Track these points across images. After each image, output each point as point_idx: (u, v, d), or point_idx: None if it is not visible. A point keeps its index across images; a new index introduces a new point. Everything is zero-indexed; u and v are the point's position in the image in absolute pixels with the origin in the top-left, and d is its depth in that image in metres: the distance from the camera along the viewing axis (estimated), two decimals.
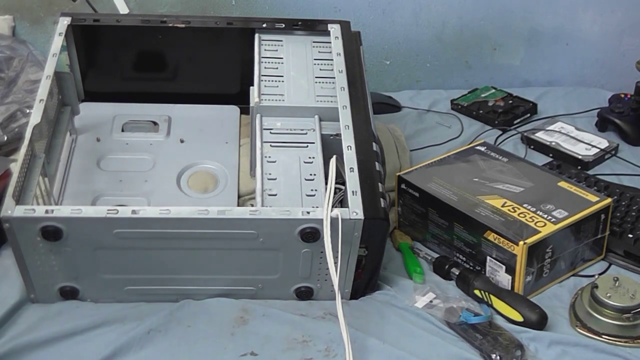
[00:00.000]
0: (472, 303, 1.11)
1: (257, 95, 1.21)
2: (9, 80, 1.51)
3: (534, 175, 1.25)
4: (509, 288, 1.12)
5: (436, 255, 1.22)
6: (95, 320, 1.04)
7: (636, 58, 1.61)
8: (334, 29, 1.30)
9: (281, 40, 1.31)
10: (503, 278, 1.13)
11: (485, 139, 1.47)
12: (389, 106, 1.71)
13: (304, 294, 1.09)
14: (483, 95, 1.74)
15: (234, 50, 1.37)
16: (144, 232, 1.01)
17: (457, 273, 1.16)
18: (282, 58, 1.28)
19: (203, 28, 1.32)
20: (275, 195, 1.09)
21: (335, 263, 0.99)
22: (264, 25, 1.32)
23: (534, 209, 1.15)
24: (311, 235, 1.01)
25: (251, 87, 1.23)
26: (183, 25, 1.30)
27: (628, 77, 1.65)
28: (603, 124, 1.62)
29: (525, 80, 1.90)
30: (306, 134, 1.19)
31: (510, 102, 1.69)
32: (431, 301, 1.11)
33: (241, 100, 1.32)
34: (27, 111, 1.43)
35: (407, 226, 1.28)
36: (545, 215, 1.14)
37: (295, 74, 1.26)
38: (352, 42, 1.29)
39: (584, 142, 1.53)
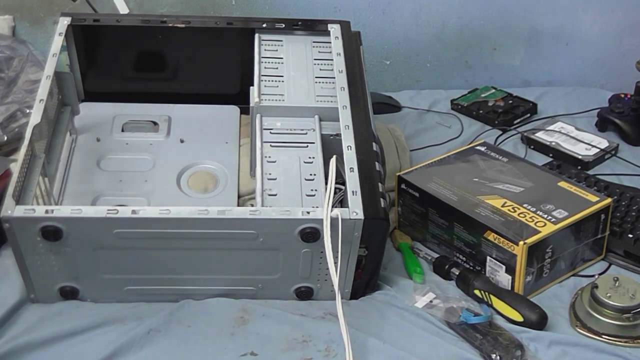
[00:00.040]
0: (472, 303, 1.11)
1: (257, 95, 1.21)
2: (9, 80, 1.51)
3: (534, 175, 1.25)
4: (509, 288, 1.12)
5: (436, 255, 1.22)
6: (95, 320, 1.04)
7: (636, 58, 1.61)
8: (334, 29, 1.30)
9: (281, 40, 1.31)
10: (503, 278, 1.13)
11: (485, 139, 1.47)
12: (389, 106, 1.71)
13: (304, 294, 1.09)
14: (483, 95, 1.74)
15: (234, 50, 1.37)
16: (144, 232, 1.01)
17: (457, 273, 1.16)
18: (282, 58, 1.28)
19: (203, 28, 1.32)
20: (275, 195, 1.09)
21: (335, 263, 0.99)
22: (264, 25, 1.32)
23: (534, 209, 1.15)
24: (311, 235, 1.01)
25: (251, 87, 1.23)
26: (183, 25, 1.30)
27: (628, 77, 1.65)
28: (603, 124, 1.62)
29: (525, 80, 1.90)
30: (306, 134, 1.19)
31: (510, 102, 1.69)
32: (431, 301, 1.11)
33: (241, 100, 1.32)
34: (27, 111, 1.43)
35: (407, 226, 1.28)
36: (545, 215, 1.14)
37: (295, 74, 1.26)
38: (352, 42, 1.29)
39: (584, 142, 1.53)
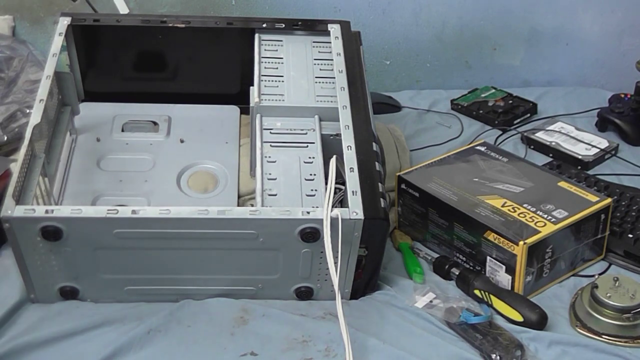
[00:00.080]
0: (472, 303, 1.11)
1: (257, 95, 1.21)
2: (9, 80, 1.51)
3: (534, 175, 1.25)
4: (509, 288, 1.12)
5: (436, 255, 1.22)
6: (95, 320, 1.04)
7: (636, 58, 1.61)
8: (334, 29, 1.30)
9: (281, 40, 1.31)
10: (503, 278, 1.13)
11: (485, 139, 1.47)
12: (389, 106, 1.71)
13: (304, 294, 1.09)
14: (483, 95, 1.74)
15: (234, 50, 1.37)
16: (144, 232, 1.01)
17: (457, 273, 1.16)
18: (282, 58, 1.28)
19: (203, 28, 1.32)
20: (275, 195, 1.09)
21: (335, 263, 0.99)
22: (264, 25, 1.32)
23: (534, 209, 1.15)
24: (311, 235, 1.01)
25: (251, 87, 1.23)
26: (183, 25, 1.30)
27: (628, 77, 1.65)
28: (603, 124, 1.62)
29: (525, 80, 1.90)
30: (306, 134, 1.19)
31: (510, 102, 1.69)
32: (431, 301, 1.11)
33: (241, 100, 1.32)
34: (27, 111, 1.43)
35: (407, 226, 1.28)
36: (545, 215, 1.14)
37: (295, 74, 1.26)
38: (352, 42, 1.29)
39: (584, 142, 1.53)
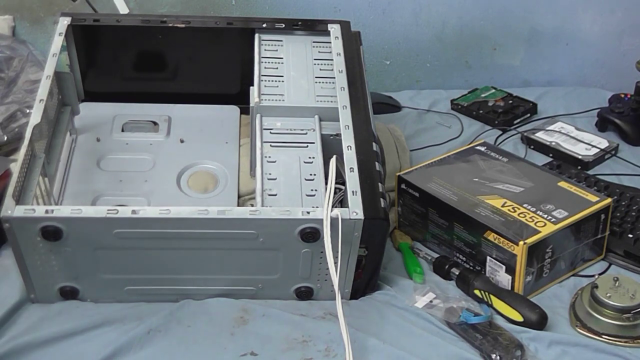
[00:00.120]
0: (472, 303, 1.11)
1: (257, 95, 1.21)
2: (9, 80, 1.51)
3: (534, 175, 1.25)
4: (509, 288, 1.12)
5: (436, 255, 1.22)
6: (95, 320, 1.04)
7: (636, 58, 1.61)
8: (334, 29, 1.30)
9: (281, 40, 1.31)
10: (503, 278, 1.13)
11: (485, 139, 1.47)
12: (389, 106, 1.71)
13: (304, 294, 1.09)
14: (483, 95, 1.74)
15: (234, 50, 1.37)
16: (144, 232, 1.01)
17: (457, 273, 1.16)
18: (282, 58, 1.28)
19: (203, 28, 1.32)
20: (275, 195, 1.09)
21: (335, 263, 0.99)
22: (264, 25, 1.32)
23: (534, 209, 1.15)
24: (311, 235, 1.01)
25: (251, 87, 1.23)
26: (183, 25, 1.30)
27: (628, 77, 1.65)
28: (603, 124, 1.62)
29: (525, 80, 1.90)
30: (306, 134, 1.19)
31: (510, 102, 1.69)
32: (431, 301, 1.11)
33: (241, 100, 1.32)
34: (27, 111, 1.43)
35: (407, 226, 1.28)
36: (545, 215, 1.14)
37: (295, 74, 1.26)
38: (352, 42, 1.29)
39: (584, 142, 1.53)
